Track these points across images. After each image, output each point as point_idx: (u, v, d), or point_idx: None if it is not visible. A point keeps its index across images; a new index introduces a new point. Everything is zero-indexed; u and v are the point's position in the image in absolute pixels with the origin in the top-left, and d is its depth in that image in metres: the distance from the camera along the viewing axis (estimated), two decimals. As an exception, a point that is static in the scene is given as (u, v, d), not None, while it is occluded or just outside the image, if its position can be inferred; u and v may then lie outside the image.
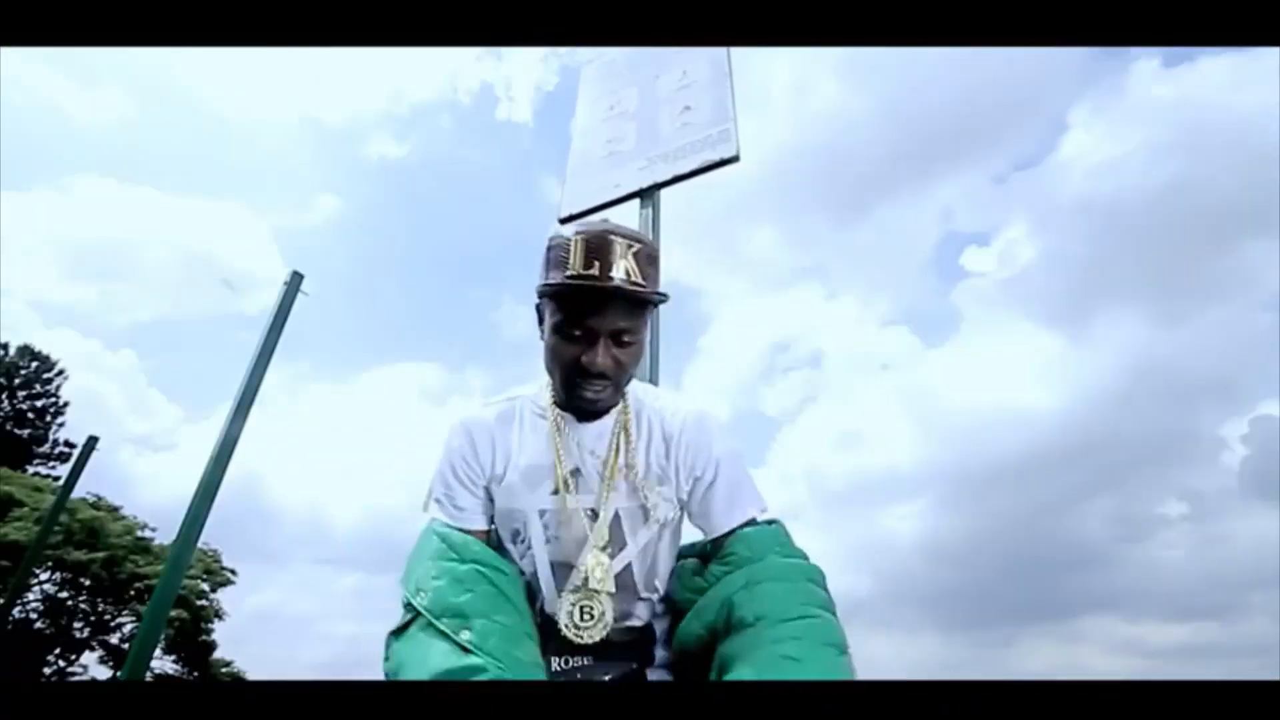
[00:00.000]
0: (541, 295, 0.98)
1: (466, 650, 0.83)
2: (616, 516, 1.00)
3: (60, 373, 21.21)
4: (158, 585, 3.37)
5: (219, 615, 15.40)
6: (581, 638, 0.97)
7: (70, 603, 13.95)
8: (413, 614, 0.91)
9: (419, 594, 0.92)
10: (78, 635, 14.13)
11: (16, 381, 20.23)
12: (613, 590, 0.98)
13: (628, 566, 1.01)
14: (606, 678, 0.97)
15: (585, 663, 0.99)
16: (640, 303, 0.94)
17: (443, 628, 0.87)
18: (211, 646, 15.34)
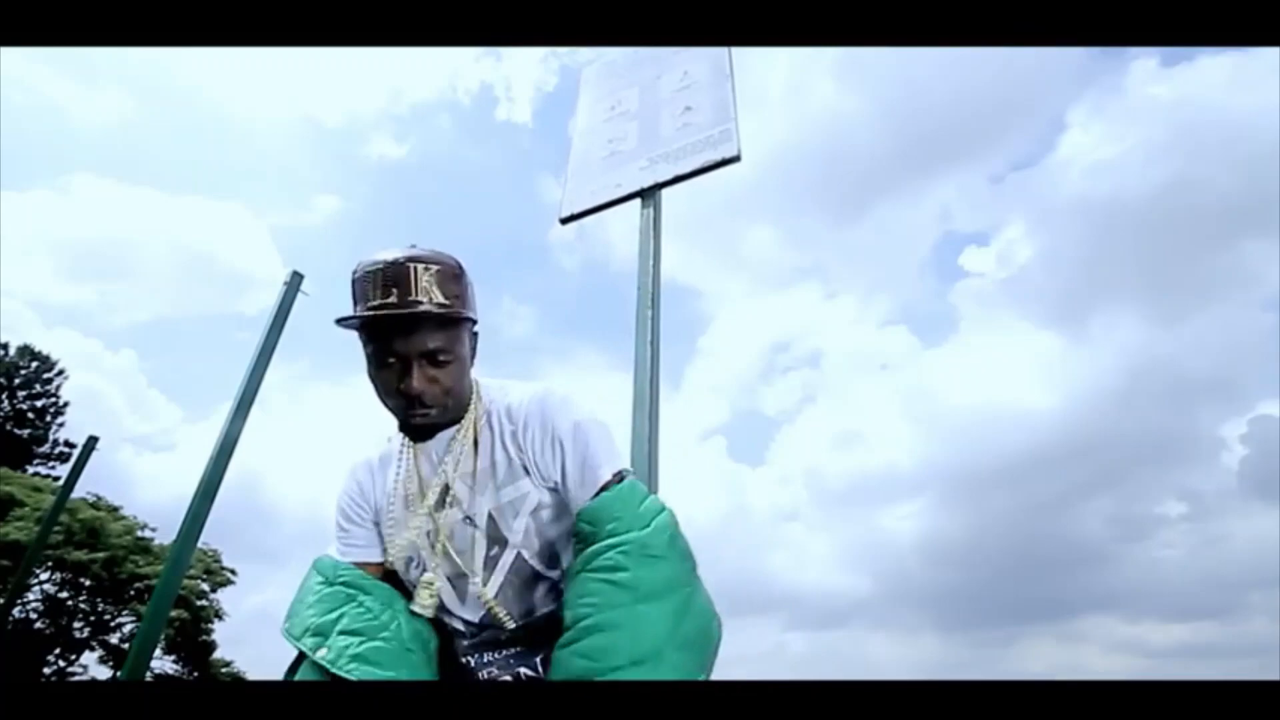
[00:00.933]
0: (354, 302, 0.99)
1: (322, 668, 0.88)
2: (490, 516, 1.03)
3: (60, 373, 21.21)
4: (158, 585, 3.37)
5: (219, 615, 15.39)
6: (487, 635, 1.04)
7: (70, 603, 13.94)
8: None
9: (286, 620, 1.00)
10: (78, 635, 14.13)
11: (16, 381, 20.23)
12: (499, 594, 1.03)
13: (518, 555, 1.03)
14: (514, 673, 1.02)
15: (499, 656, 1.04)
16: (448, 321, 0.97)
17: (302, 648, 0.93)
18: (211, 646, 15.34)
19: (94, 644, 14.35)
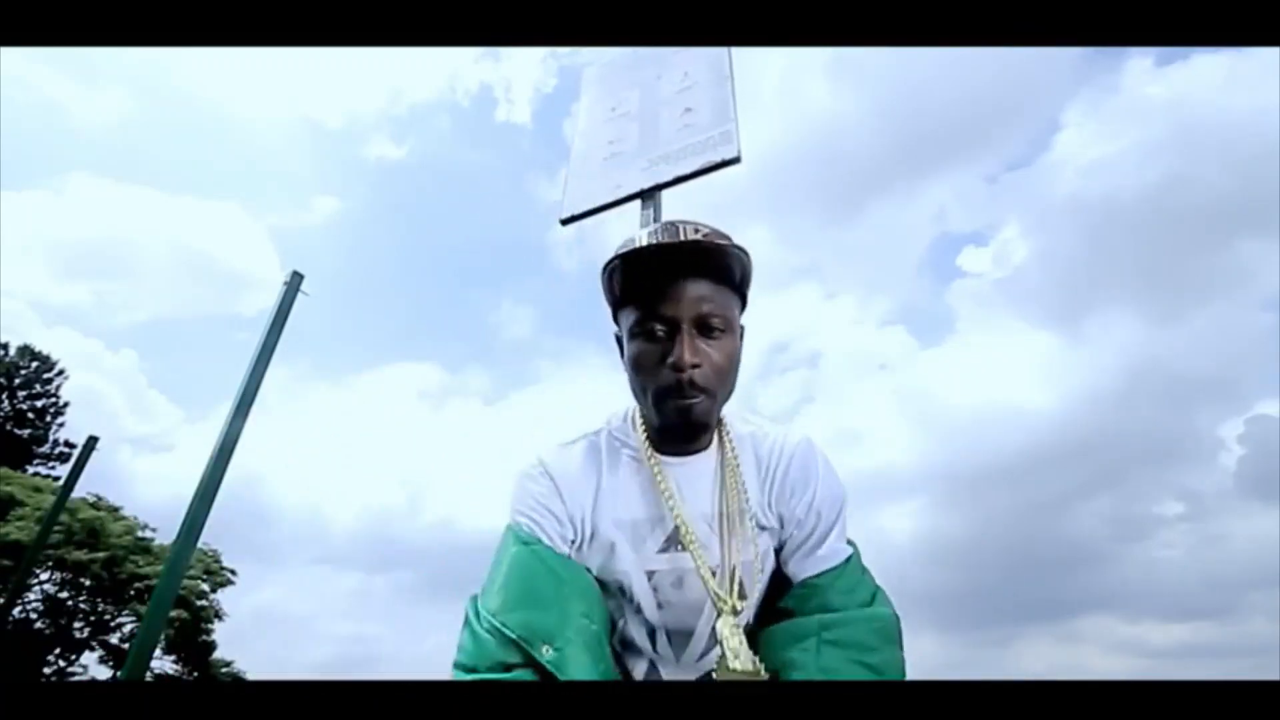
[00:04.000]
0: (612, 295, 0.88)
1: (541, 668, 0.76)
2: (733, 573, 0.87)
3: (60, 373, 21.22)
4: (158, 585, 3.37)
5: (219, 615, 15.39)
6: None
7: (70, 603, 13.94)
8: (489, 624, 0.83)
9: (495, 610, 0.83)
10: (78, 635, 14.13)
11: (16, 381, 20.23)
12: (755, 667, 0.84)
13: (745, 620, 0.90)
14: None
15: None
16: (723, 277, 0.84)
17: (515, 637, 0.79)
18: (211, 646, 15.34)
19: (94, 644, 14.35)
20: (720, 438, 0.93)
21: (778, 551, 0.94)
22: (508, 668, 0.79)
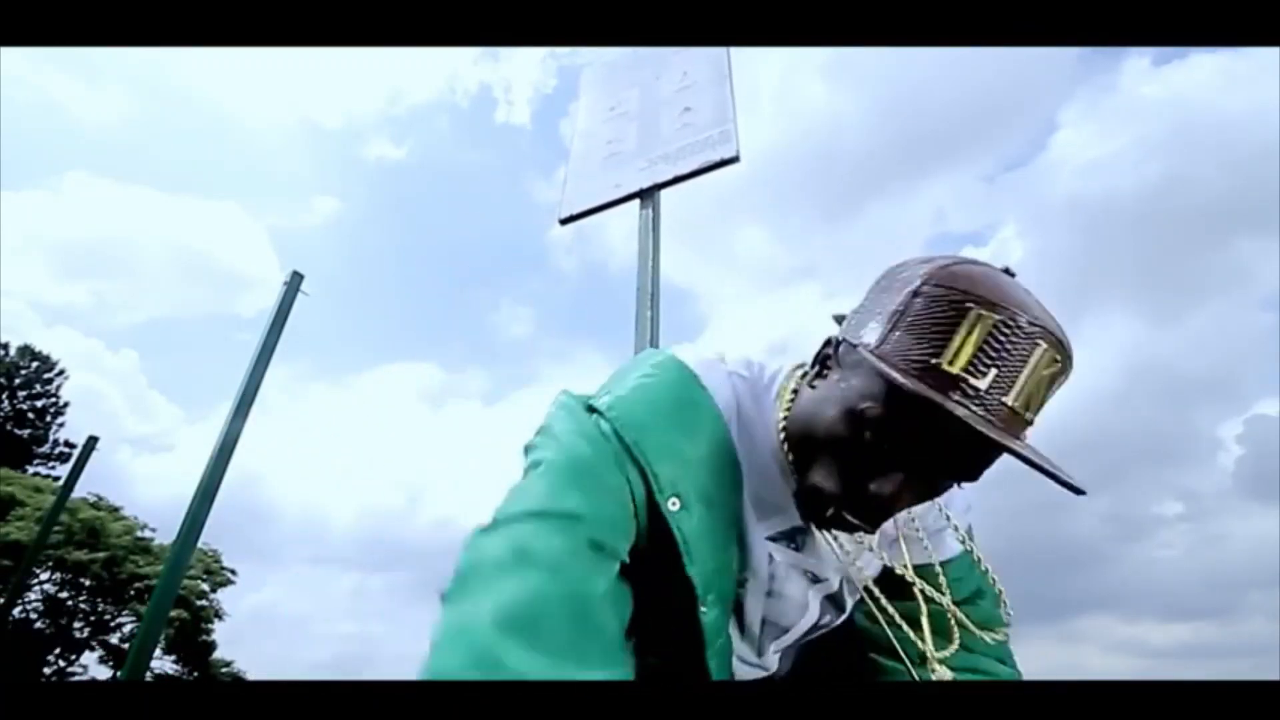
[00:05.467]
0: (883, 384, 0.58)
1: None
2: (840, 587, 0.81)
3: (60, 373, 21.22)
4: (158, 585, 3.37)
5: (219, 615, 15.40)
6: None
7: (70, 603, 13.95)
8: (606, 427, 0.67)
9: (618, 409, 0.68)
10: (78, 635, 14.13)
11: (16, 381, 20.23)
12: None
13: (832, 630, 0.84)
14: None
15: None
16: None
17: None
18: (211, 646, 15.35)
19: (94, 644, 14.36)
20: None
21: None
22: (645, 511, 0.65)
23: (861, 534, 0.72)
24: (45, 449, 20.39)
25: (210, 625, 15.09)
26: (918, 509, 0.78)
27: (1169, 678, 0.58)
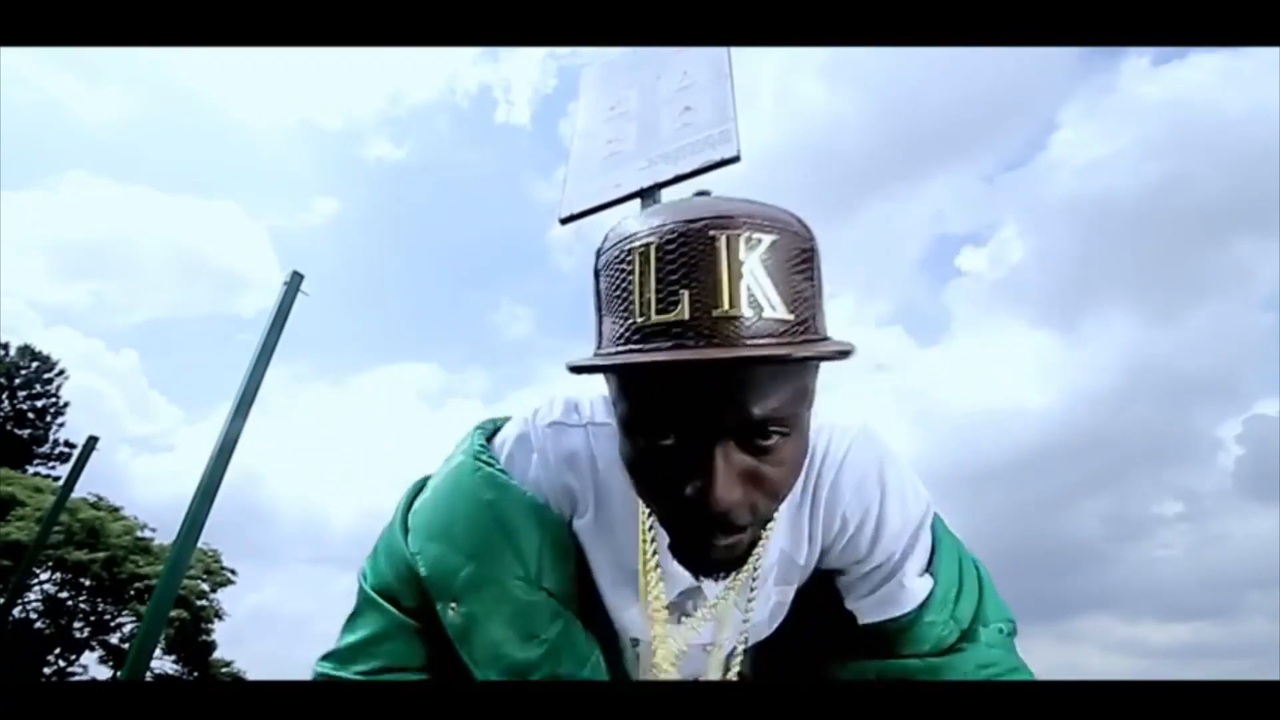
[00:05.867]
0: (579, 371, 0.52)
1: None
2: (736, 647, 0.75)
3: (60, 373, 21.22)
4: (158, 585, 3.37)
5: (219, 615, 15.40)
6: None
7: (70, 603, 13.95)
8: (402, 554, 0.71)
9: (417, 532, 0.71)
10: (78, 635, 14.13)
11: (16, 381, 20.23)
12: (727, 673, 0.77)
13: (748, 647, 0.77)
14: None
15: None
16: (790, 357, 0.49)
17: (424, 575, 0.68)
18: (211, 646, 15.35)
19: (94, 644, 14.36)
20: None
21: (830, 573, 0.76)
22: (404, 610, 0.69)
23: (754, 575, 0.67)
24: (45, 449, 20.39)
25: (210, 625, 15.10)
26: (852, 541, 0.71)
27: (1168, 678, 0.58)
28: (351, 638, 0.72)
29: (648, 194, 2.30)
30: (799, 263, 0.52)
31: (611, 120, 2.72)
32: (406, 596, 0.70)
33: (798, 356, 0.47)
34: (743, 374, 0.49)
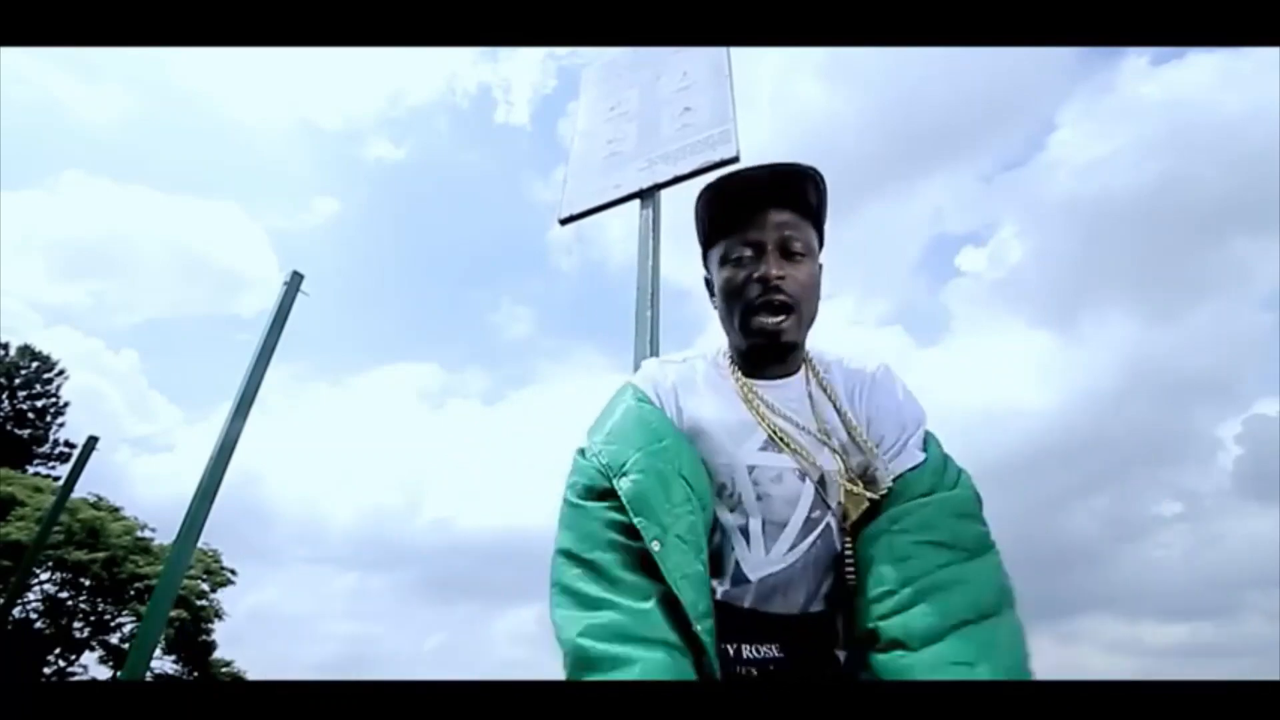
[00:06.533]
0: (703, 233, 1.00)
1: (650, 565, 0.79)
2: (822, 479, 0.93)
3: (60, 373, 21.22)
4: (158, 585, 3.37)
5: (219, 615, 15.40)
6: (747, 620, 0.91)
7: (70, 603, 13.95)
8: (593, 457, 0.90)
9: (599, 443, 0.91)
10: (78, 635, 14.13)
11: (16, 381, 20.23)
12: (799, 564, 0.92)
13: (828, 526, 0.93)
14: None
15: (773, 653, 0.91)
16: (802, 206, 0.93)
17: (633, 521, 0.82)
18: (211, 646, 15.35)
19: (94, 644, 14.36)
20: (807, 363, 1.01)
21: (863, 475, 0.94)
22: (609, 494, 0.87)
23: (820, 435, 0.94)
24: (45, 449, 20.38)
25: (210, 625, 15.09)
26: (877, 430, 0.95)
27: (1168, 678, 0.58)
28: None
29: (647, 194, 2.30)
30: (814, 182, 0.96)
31: (611, 120, 2.72)
32: (602, 491, 0.89)
33: (801, 171, 0.94)
34: (782, 216, 0.93)
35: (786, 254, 0.93)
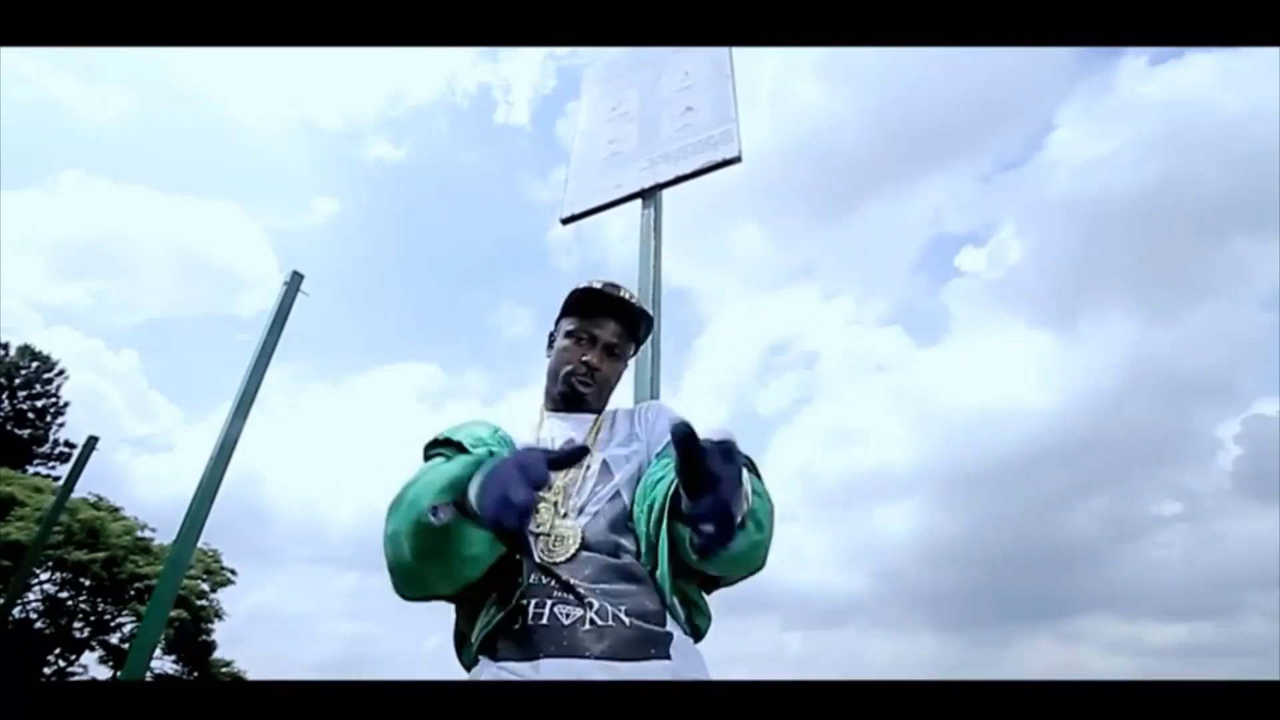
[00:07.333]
0: (563, 311, 1.28)
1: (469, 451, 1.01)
2: (605, 462, 1.15)
3: (60, 373, 21.21)
4: (158, 585, 3.37)
5: (219, 615, 15.40)
6: (554, 553, 1.01)
7: (70, 603, 13.95)
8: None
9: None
10: (78, 635, 14.13)
11: (16, 381, 20.23)
12: (592, 516, 1.06)
13: (618, 492, 1.10)
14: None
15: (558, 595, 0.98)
16: (632, 325, 1.27)
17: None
18: (211, 646, 15.34)
19: (94, 644, 14.35)
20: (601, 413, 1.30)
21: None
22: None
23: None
24: (45, 449, 20.37)
25: (210, 625, 15.09)
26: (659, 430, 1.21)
27: (1167, 678, 0.58)
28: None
29: (648, 194, 2.30)
30: (647, 318, 1.32)
31: (612, 120, 2.72)
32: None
33: (643, 311, 1.29)
34: (617, 329, 1.27)
35: (609, 351, 1.26)
